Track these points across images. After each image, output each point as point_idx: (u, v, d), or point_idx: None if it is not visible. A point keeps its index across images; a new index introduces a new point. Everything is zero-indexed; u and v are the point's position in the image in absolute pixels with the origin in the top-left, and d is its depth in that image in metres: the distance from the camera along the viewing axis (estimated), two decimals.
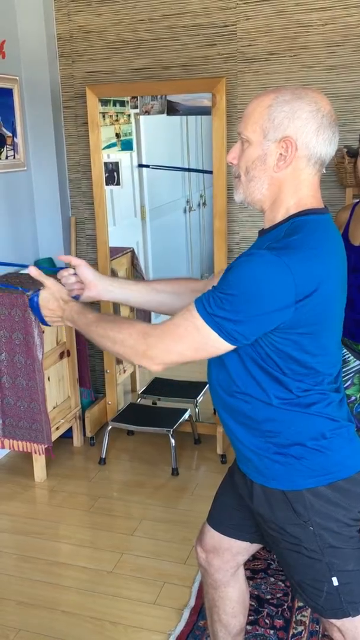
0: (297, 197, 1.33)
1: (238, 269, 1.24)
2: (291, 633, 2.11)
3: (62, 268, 1.67)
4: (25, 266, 1.72)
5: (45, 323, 1.62)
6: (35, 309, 1.59)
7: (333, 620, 1.46)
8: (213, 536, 1.66)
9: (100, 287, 1.64)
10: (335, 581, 1.40)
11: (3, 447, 3.10)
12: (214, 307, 1.23)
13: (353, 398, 2.49)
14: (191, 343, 1.28)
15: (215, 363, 1.44)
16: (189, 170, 4.14)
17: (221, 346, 1.26)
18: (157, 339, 1.31)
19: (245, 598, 1.76)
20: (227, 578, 1.69)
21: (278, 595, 2.27)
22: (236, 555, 1.67)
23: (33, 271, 1.58)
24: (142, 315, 3.75)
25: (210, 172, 3.16)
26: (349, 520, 1.40)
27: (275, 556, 1.55)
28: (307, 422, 1.37)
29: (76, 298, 1.65)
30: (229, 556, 1.66)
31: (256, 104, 1.32)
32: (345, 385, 2.49)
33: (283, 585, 2.32)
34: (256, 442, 1.41)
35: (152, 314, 3.82)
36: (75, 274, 1.65)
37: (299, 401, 1.36)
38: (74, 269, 1.65)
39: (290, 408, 1.36)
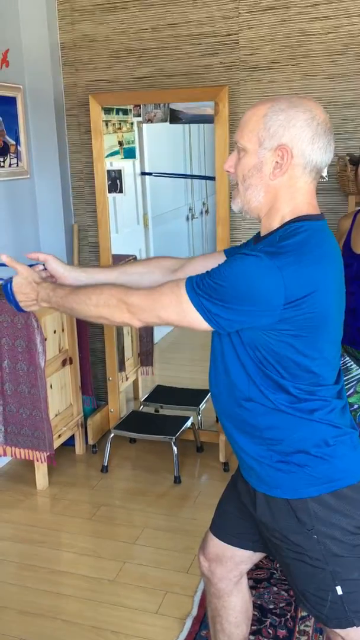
0: (293, 205, 1.35)
1: (233, 264, 1.27)
2: None
3: (31, 265, 1.69)
4: None
5: (20, 309, 1.62)
6: (10, 295, 1.60)
7: (337, 630, 1.45)
8: (216, 545, 1.65)
9: (71, 278, 1.66)
10: (339, 590, 1.39)
11: (5, 455, 3.09)
12: (203, 290, 1.28)
13: (356, 406, 2.48)
14: (170, 312, 1.33)
15: (217, 370, 1.44)
16: (191, 177, 4.15)
17: (199, 324, 1.31)
18: (139, 297, 1.36)
19: (249, 607, 1.75)
20: (230, 587, 1.68)
21: (281, 605, 2.26)
22: (239, 564, 1.66)
23: (4, 258, 1.61)
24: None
25: (213, 180, 3.17)
26: (353, 528, 1.39)
27: (278, 565, 1.54)
28: (310, 429, 1.36)
29: None
30: (232, 565, 1.65)
31: (252, 113, 1.34)
32: (347, 393, 2.48)
33: (286, 594, 2.30)
34: (259, 450, 1.40)
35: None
36: (45, 269, 1.68)
37: (301, 407, 1.35)
38: (43, 264, 1.69)
39: (293, 414, 1.36)
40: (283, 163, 1.31)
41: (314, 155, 1.31)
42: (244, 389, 1.38)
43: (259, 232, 1.45)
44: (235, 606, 1.71)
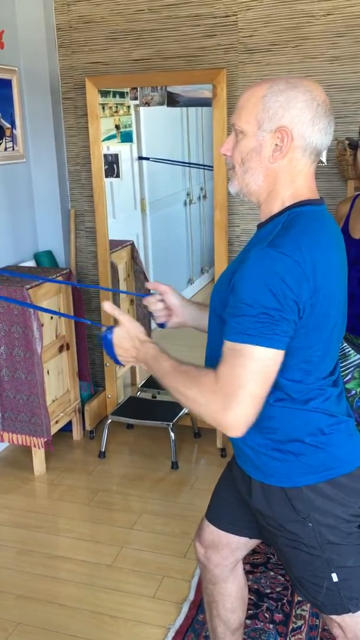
0: (293, 188, 1.31)
1: (249, 278, 1.20)
2: (291, 627, 2.10)
3: (148, 294, 1.63)
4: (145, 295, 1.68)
5: (118, 362, 1.52)
6: (108, 346, 1.50)
7: (333, 616, 1.45)
8: (212, 532, 1.65)
9: (187, 314, 1.62)
10: (335, 577, 1.40)
11: (2, 441, 3.09)
12: (248, 325, 1.19)
13: (353, 392, 2.47)
14: (256, 376, 1.20)
15: (213, 359, 1.42)
16: (189, 165, 4.12)
17: (279, 355, 1.21)
18: (225, 395, 1.21)
19: (244, 593, 1.75)
20: (226, 573, 1.69)
21: (278, 589, 2.27)
22: (235, 551, 1.66)
23: (107, 307, 1.50)
24: (142, 310, 3.74)
25: (211, 166, 3.14)
26: (349, 516, 1.38)
27: (274, 551, 1.54)
28: (305, 418, 1.35)
29: (162, 325, 1.64)
30: (228, 552, 1.65)
31: (250, 95, 1.30)
32: (345, 380, 2.48)
33: (283, 579, 2.31)
34: (254, 438, 1.39)
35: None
36: (162, 300, 1.63)
37: (296, 398, 1.34)
38: (160, 295, 1.63)
39: (287, 405, 1.34)
40: (283, 145, 1.27)
41: (314, 137, 1.28)
42: None
43: (259, 225, 1.40)
44: (231, 592, 1.71)
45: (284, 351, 1.22)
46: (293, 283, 1.19)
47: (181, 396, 1.32)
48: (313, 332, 1.28)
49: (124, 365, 1.55)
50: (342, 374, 2.47)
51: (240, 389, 1.20)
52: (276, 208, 1.33)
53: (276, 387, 1.31)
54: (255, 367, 1.20)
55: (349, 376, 2.47)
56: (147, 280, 3.40)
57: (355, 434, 1.42)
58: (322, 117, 1.28)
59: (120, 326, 1.48)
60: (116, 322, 1.51)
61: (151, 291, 1.67)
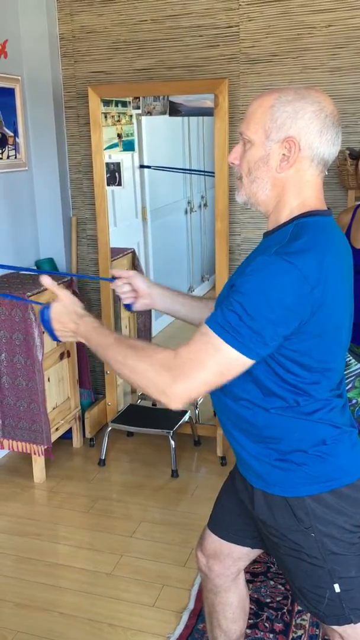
0: (301, 198, 1.31)
1: (251, 281, 1.19)
2: (291, 637, 2.10)
3: (114, 279, 1.66)
4: (43, 273, 1.62)
5: (55, 338, 1.50)
6: (46, 322, 1.49)
7: (335, 627, 1.45)
8: (214, 541, 1.65)
9: (155, 295, 1.63)
10: (337, 588, 1.39)
11: (2, 448, 3.09)
12: (231, 322, 1.19)
13: (354, 401, 2.48)
14: (214, 367, 1.22)
15: None
16: (190, 172, 4.14)
17: (245, 362, 1.21)
18: (179, 372, 1.23)
19: (245, 603, 1.75)
20: (228, 583, 1.68)
21: (278, 599, 2.26)
22: (237, 561, 1.65)
23: (46, 281, 1.49)
24: (143, 317, 3.75)
25: (212, 175, 3.16)
26: (351, 526, 1.38)
27: (275, 560, 1.54)
28: (309, 428, 1.35)
29: (129, 307, 1.65)
30: (230, 562, 1.65)
31: (258, 104, 1.30)
32: (347, 388, 2.48)
33: (283, 588, 2.31)
34: (257, 447, 1.39)
35: (153, 318, 3.82)
36: (129, 283, 1.65)
37: (300, 410, 1.34)
38: (126, 279, 1.65)
39: (292, 415, 1.34)
40: (290, 156, 1.27)
41: (322, 148, 1.28)
42: (241, 388, 1.36)
43: (266, 233, 1.40)
44: (232, 602, 1.71)
45: (254, 361, 1.21)
46: (293, 297, 1.18)
47: (125, 367, 1.31)
48: (317, 343, 1.27)
49: (60, 341, 1.56)
50: (344, 382, 2.47)
51: (197, 372, 1.22)
52: (284, 217, 1.32)
53: (281, 392, 1.31)
54: (219, 360, 1.21)
55: (350, 385, 2.47)
56: None
57: (357, 445, 1.42)
58: (331, 127, 1.28)
59: (58, 301, 1.46)
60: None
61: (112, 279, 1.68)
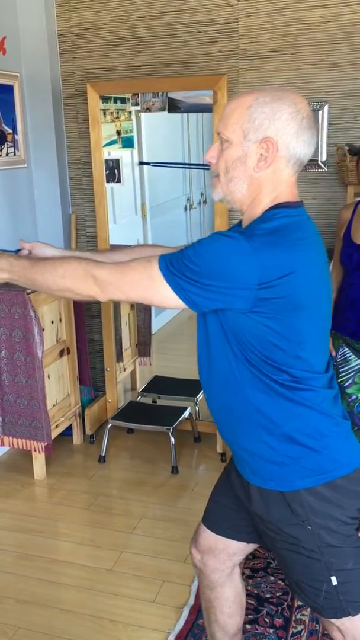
0: (275, 195, 1.35)
1: (209, 243, 1.26)
2: (291, 632, 2.10)
3: (18, 250, 1.67)
4: None
5: None
6: None
7: (333, 620, 1.46)
8: (209, 537, 1.66)
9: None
10: (334, 580, 1.40)
11: (3, 445, 3.09)
12: (176, 267, 1.26)
13: (354, 397, 2.48)
14: (140, 289, 1.31)
15: (203, 357, 1.44)
16: (189, 166, 4.13)
17: (171, 302, 1.29)
18: (108, 271, 1.33)
19: (242, 598, 1.76)
20: (223, 579, 1.69)
21: (278, 594, 2.27)
22: (232, 556, 1.66)
23: None
24: (142, 315, 3.75)
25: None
26: (347, 518, 1.39)
27: (274, 555, 1.54)
28: (302, 419, 1.36)
29: None
30: (225, 557, 1.66)
31: (236, 105, 1.33)
32: (346, 385, 2.48)
33: (283, 584, 2.31)
34: (251, 442, 1.40)
35: (153, 315, 3.82)
36: (29, 253, 1.67)
37: (291, 396, 1.35)
38: (29, 250, 1.67)
39: (283, 404, 1.35)
40: (268, 156, 1.31)
41: (298, 149, 1.31)
42: (229, 374, 1.37)
43: (240, 222, 1.45)
44: (229, 597, 1.71)
45: (184, 305, 1.29)
46: (243, 270, 1.22)
47: (53, 274, 1.37)
48: (285, 325, 1.29)
49: None
50: (343, 378, 2.47)
51: (125, 287, 1.32)
52: (257, 214, 1.36)
53: (269, 380, 1.33)
54: (148, 290, 1.30)
55: (350, 381, 2.47)
56: None
57: (351, 437, 1.43)
58: (307, 129, 1.31)
59: None
60: None
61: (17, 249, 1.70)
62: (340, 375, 2.48)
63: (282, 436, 1.37)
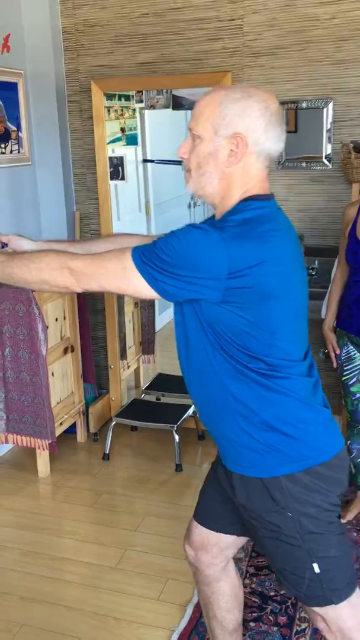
0: (245, 189, 1.38)
1: (180, 236, 1.29)
2: (295, 630, 2.10)
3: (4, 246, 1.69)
4: None
5: None
6: None
7: (316, 609, 1.46)
8: (200, 532, 1.67)
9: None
10: (316, 568, 1.41)
11: (7, 442, 3.10)
12: (149, 258, 1.30)
13: (358, 395, 2.47)
14: (114, 280, 1.35)
15: (184, 351, 1.46)
16: None
17: (145, 292, 1.32)
18: (83, 262, 1.37)
19: (239, 592, 1.76)
20: (218, 573, 1.70)
21: (282, 592, 2.26)
22: (225, 550, 1.67)
23: None
24: (146, 312, 3.75)
25: None
26: (328, 505, 1.41)
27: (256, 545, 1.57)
28: (280, 407, 1.38)
29: None
30: (217, 551, 1.67)
31: (207, 102, 1.36)
32: (350, 382, 2.47)
33: None
34: (231, 430, 1.42)
35: (157, 312, 3.82)
36: (4, 246, 1.69)
37: (269, 384, 1.37)
38: (6, 244, 1.69)
39: (260, 392, 1.37)
40: (238, 151, 1.34)
41: (267, 144, 1.35)
42: (207, 364, 1.40)
43: (213, 216, 1.48)
44: (225, 592, 1.72)
45: (157, 295, 1.32)
46: (212, 261, 1.25)
47: (30, 268, 1.42)
48: (257, 314, 1.31)
49: None
50: (347, 376, 2.47)
51: (99, 278, 1.36)
52: (228, 207, 1.39)
53: (246, 369, 1.36)
54: (121, 280, 1.34)
55: (354, 379, 2.47)
56: None
57: (331, 424, 1.45)
58: (276, 125, 1.35)
59: None
60: None
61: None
62: (344, 373, 2.47)
63: (261, 424, 1.38)
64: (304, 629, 2.10)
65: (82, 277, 1.37)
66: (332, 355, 2.57)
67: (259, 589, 2.27)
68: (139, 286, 1.32)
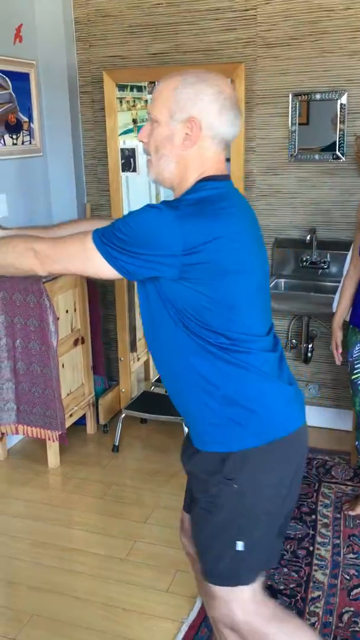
0: (201, 171, 1.42)
1: (136, 215, 1.33)
2: None
3: None
4: None
5: None
6: None
7: (216, 588, 1.49)
8: (188, 519, 1.68)
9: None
10: (239, 546, 1.44)
11: (17, 433, 3.11)
12: (108, 238, 1.34)
13: None
14: (76, 260, 1.39)
15: (150, 329, 1.48)
16: None
17: (105, 271, 1.36)
18: (47, 245, 1.42)
19: None
20: None
21: (291, 586, 2.26)
22: None
23: None
24: None
25: (227, 159, 3.13)
26: (277, 482, 1.43)
27: (191, 519, 1.59)
28: (241, 381, 1.40)
29: None
30: None
31: (164, 86, 1.40)
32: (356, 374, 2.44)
33: (296, 576, 2.31)
34: (194, 406, 1.44)
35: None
36: None
37: (230, 359, 1.38)
38: None
39: (222, 366, 1.39)
40: (192, 134, 1.38)
41: (221, 128, 1.38)
42: (171, 340, 1.42)
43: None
44: None
45: (117, 273, 1.36)
46: (167, 238, 1.28)
47: (3, 254, 1.47)
48: (214, 289, 1.34)
49: None
50: (358, 375, 2.43)
51: (62, 260, 1.41)
52: (184, 189, 1.42)
53: (207, 344, 1.38)
54: (82, 261, 1.38)
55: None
56: None
57: (293, 401, 1.46)
58: (229, 109, 1.39)
59: None
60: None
61: None
62: (355, 372, 2.44)
63: (222, 398, 1.41)
64: (314, 624, 2.10)
65: (45, 259, 1.41)
66: (335, 352, 2.55)
67: (269, 583, 2.27)
68: (100, 266, 1.36)
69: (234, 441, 1.41)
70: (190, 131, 1.37)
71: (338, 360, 2.57)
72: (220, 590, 1.50)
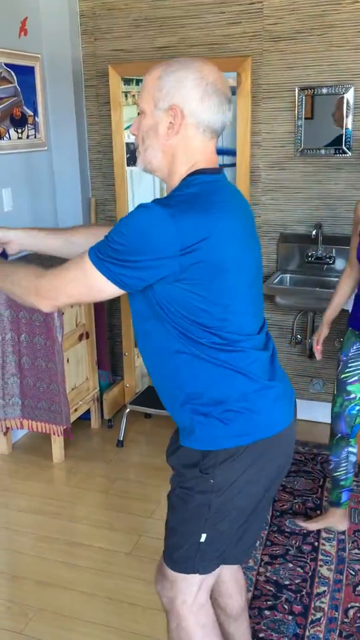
0: (191, 163, 1.38)
1: (128, 221, 1.28)
2: (310, 619, 2.10)
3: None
4: None
5: None
6: None
7: (171, 572, 1.50)
8: None
9: (17, 237, 1.67)
10: (202, 537, 1.44)
11: (22, 428, 3.11)
12: (104, 253, 1.28)
13: (353, 395, 2.40)
14: (77, 285, 1.34)
15: (141, 330, 1.45)
16: None
17: (107, 289, 1.31)
18: (48, 279, 1.38)
19: (238, 576, 1.75)
20: None
21: (297, 581, 2.26)
22: None
23: None
24: None
25: (233, 153, 3.11)
26: (255, 481, 1.43)
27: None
28: (229, 381, 1.38)
29: (4, 255, 1.70)
30: None
31: (149, 76, 1.38)
32: (350, 380, 2.40)
33: (302, 571, 2.31)
34: (181, 405, 1.43)
35: None
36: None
37: (220, 359, 1.36)
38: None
39: (210, 367, 1.37)
40: (175, 123, 1.35)
41: (204, 115, 1.35)
42: (162, 340, 1.40)
43: None
44: (224, 577, 1.71)
45: (120, 289, 1.31)
46: (163, 239, 1.24)
47: (7, 282, 1.46)
48: (212, 289, 1.31)
49: None
50: (349, 374, 2.40)
51: (65, 289, 1.36)
52: (176, 182, 1.39)
53: (198, 344, 1.36)
54: (85, 284, 1.33)
55: (355, 378, 2.39)
56: None
57: (279, 400, 1.44)
58: (212, 95, 1.34)
59: None
60: None
61: None
62: (346, 371, 2.39)
63: (209, 398, 1.39)
64: (319, 618, 2.10)
65: (48, 293, 1.38)
66: (315, 347, 2.53)
67: (274, 578, 2.28)
68: (101, 285, 1.30)
69: (218, 440, 1.40)
70: (173, 119, 1.34)
71: (318, 355, 2.54)
72: (173, 575, 1.51)
